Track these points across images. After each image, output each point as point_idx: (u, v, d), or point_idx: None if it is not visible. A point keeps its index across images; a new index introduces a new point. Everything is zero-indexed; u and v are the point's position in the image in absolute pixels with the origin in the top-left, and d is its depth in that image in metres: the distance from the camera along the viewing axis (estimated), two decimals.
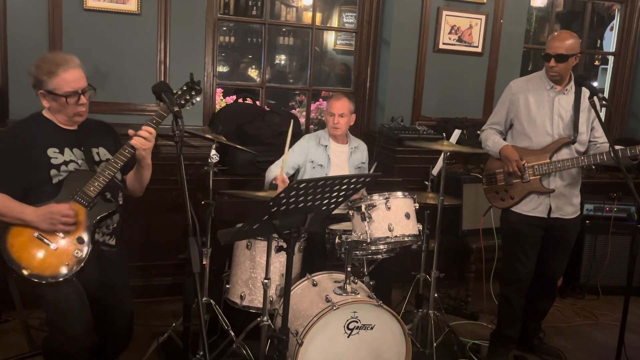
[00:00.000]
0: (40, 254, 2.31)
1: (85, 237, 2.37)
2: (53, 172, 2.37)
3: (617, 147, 2.90)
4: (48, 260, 2.31)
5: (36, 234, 2.32)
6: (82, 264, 2.35)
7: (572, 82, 3.21)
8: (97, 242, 2.43)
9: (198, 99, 2.51)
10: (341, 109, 3.61)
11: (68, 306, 2.36)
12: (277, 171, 3.52)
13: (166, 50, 3.93)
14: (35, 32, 3.63)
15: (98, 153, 2.54)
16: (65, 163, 2.40)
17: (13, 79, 3.64)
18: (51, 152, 2.39)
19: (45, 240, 2.32)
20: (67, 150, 2.43)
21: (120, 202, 2.56)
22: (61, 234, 2.34)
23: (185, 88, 2.48)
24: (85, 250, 2.36)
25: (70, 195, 2.36)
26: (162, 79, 3.91)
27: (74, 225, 2.35)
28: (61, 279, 2.31)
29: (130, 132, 2.39)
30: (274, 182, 3.45)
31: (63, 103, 2.37)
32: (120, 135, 2.72)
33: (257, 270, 3.10)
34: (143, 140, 2.38)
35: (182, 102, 2.47)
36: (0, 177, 2.32)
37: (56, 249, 2.33)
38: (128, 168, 2.59)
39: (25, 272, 2.28)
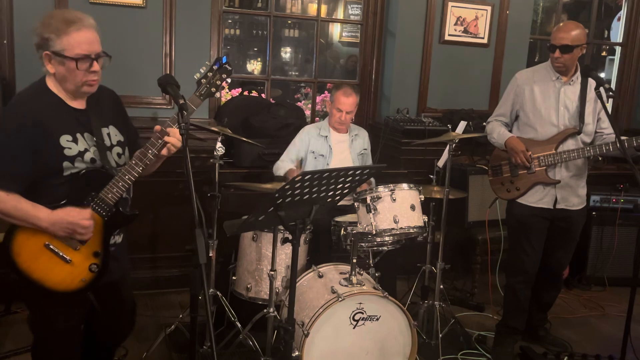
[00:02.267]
0: (53, 268, 2.09)
1: (101, 249, 2.15)
2: (66, 164, 2.06)
3: (622, 137, 2.89)
4: (62, 275, 2.10)
5: (47, 244, 2.08)
6: (97, 279, 2.16)
7: (578, 73, 3.20)
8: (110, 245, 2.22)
9: (229, 80, 2.22)
10: (350, 107, 3.61)
11: (64, 331, 2.22)
12: (286, 166, 3.53)
13: (171, 43, 3.93)
14: None
15: (109, 134, 2.22)
16: (81, 154, 2.09)
17: (20, 73, 3.66)
18: (64, 140, 2.06)
19: (59, 253, 2.09)
20: (79, 137, 2.11)
21: (131, 195, 2.33)
22: (76, 247, 2.11)
23: (215, 68, 2.15)
24: (101, 263, 2.15)
25: (85, 199, 2.09)
26: (168, 72, 3.92)
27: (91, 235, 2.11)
28: (74, 292, 2.15)
29: (157, 128, 2.10)
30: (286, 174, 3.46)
31: (72, 68, 2.02)
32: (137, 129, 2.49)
33: (263, 262, 3.11)
34: (173, 148, 2.12)
35: (213, 89, 2.16)
36: (7, 172, 2.00)
37: (71, 263, 2.11)
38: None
39: (36, 283, 2.09)
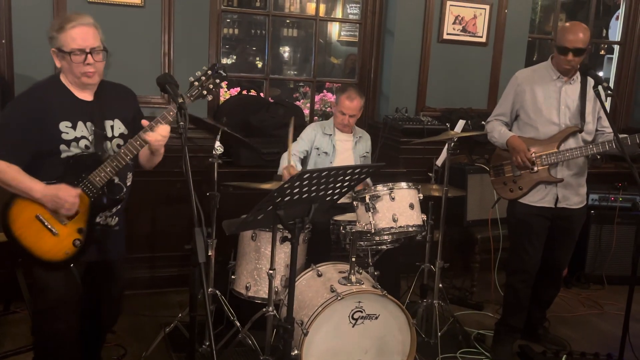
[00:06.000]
0: (42, 238, 2.30)
1: (86, 227, 2.36)
2: (62, 147, 2.30)
3: (622, 135, 2.90)
4: (47, 246, 2.31)
5: (38, 215, 2.29)
6: (80, 253, 2.36)
7: (578, 72, 3.20)
8: (98, 224, 2.42)
9: (223, 85, 2.43)
10: (353, 111, 3.62)
11: (57, 301, 2.38)
12: (285, 162, 3.53)
13: (170, 43, 3.93)
14: (39, 25, 3.62)
15: (112, 126, 2.43)
16: (76, 140, 2.32)
17: (18, 72, 3.66)
18: (63, 126, 2.30)
19: (47, 224, 2.31)
20: (80, 124, 2.33)
21: (129, 184, 2.52)
22: (63, 221, 2.32)
23: (210, 73, 2.32)
24: (84, 240, 2.36)
25: (76, 180, 2.30)
26: (166, 71, 3.92)
27: (76, 213, 2.32)
28: (59, 263, 2.34)
29: (144, 122, 2.30)
30: (279, 174, 3.46)
31: (69, 61, 2.26)
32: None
33: (262, 261, 3.11)
34: (159, 138, 2.30)
35: (205, 91, 2.32)
36: (11, 145, 2.26)
37: (57, 235, 2.32)
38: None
39: (26, 250, 2.31)
